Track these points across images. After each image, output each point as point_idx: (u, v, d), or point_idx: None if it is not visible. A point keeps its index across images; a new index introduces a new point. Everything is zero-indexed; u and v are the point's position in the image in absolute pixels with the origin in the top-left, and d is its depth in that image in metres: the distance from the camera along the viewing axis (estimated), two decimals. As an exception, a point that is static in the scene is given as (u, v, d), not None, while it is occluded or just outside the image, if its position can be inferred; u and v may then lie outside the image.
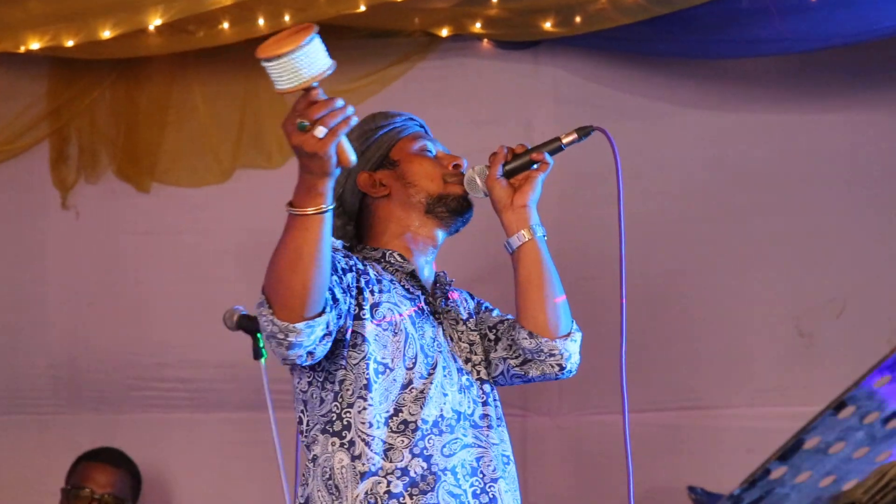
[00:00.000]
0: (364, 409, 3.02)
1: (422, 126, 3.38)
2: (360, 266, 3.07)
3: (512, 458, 3.21)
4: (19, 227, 5.46)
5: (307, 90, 2.52)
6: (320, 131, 2.55)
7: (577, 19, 4.84)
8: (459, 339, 3.24)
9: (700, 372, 5.31)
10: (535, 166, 3.15)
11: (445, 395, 3.10)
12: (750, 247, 5.28)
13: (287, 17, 4.44)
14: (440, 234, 3.26)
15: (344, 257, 3.05)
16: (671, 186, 5.30)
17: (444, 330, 3.21)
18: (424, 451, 3.05)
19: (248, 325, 4.05)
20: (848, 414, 2.42)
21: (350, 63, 5.11)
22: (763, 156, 5.30)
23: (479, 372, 3.22)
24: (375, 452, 3.02)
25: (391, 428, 3.04)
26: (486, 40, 5.18)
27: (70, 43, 4.44)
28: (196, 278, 5.32)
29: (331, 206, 2.73)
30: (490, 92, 5.22)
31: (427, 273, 3.26)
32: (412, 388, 3.07)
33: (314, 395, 3.08)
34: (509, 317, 3.28)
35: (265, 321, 2.86)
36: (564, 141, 3.14)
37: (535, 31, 4.94)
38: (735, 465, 4.49)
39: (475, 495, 3.08)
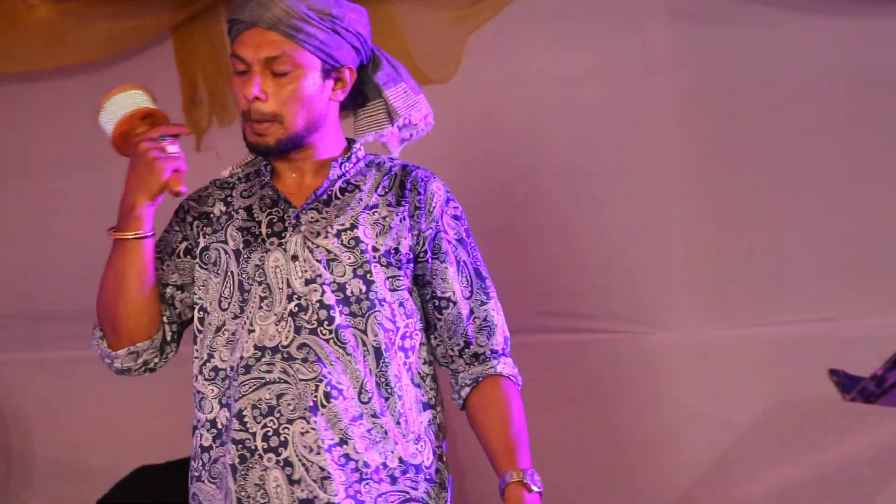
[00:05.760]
0: (193, 359, 3.05)
1: None
2: (189, 216, 3.08)
3: (352, 388, 2.96)
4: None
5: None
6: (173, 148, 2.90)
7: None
8: (311, 255, 2.99)
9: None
10: None
11: (252, 331, 2.94)
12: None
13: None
14: None
15: (175, 216, 3.11)
16: (790, 99, 4.98)
17: (285, 249, 2.99)
18: (231, 399, 2.94)
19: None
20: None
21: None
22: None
23: (322, 292, 2.96)
24: (195, 405, 3.02)
25: (204, 376, 3.01)
26: (597, -48, 5.09)
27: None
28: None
29: (150, 234, 2.89)
30: (603, 8, 5.04)
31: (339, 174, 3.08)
32: (224, 329, 2.99)
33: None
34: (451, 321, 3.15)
35: (93, 344, 3.03)
36: None
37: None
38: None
39: (265, 437, 2.91)
